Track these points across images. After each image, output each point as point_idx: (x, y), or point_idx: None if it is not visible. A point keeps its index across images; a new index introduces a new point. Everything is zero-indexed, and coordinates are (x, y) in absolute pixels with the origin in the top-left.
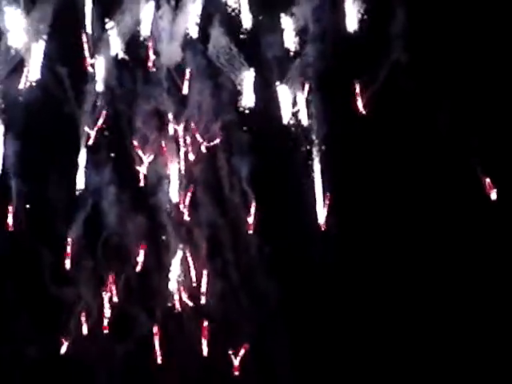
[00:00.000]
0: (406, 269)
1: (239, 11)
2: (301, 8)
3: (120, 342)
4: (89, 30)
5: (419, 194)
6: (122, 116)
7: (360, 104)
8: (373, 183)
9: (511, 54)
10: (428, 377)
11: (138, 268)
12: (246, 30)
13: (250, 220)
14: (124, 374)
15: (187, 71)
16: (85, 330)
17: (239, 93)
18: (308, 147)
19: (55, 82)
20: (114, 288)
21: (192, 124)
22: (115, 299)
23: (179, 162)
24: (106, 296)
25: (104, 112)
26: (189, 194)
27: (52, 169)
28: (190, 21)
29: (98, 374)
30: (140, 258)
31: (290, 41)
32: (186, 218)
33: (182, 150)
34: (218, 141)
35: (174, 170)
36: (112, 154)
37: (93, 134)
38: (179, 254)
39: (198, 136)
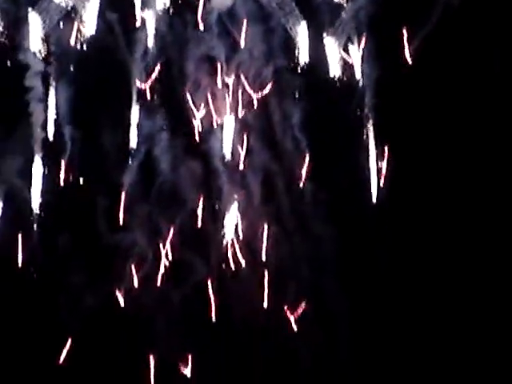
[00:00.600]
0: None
1: None
2: None
3: (176, 289)
4: None
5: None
6: (173, 62)
7: (407, 52)
8: (428, 133)
9: None
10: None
11: (199, 215)
12: None
13: (304, 166)
14: (181, 321)
15: (238, 16)
16: (140, 277)
17: (291, 38)
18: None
19: (106, 29)
20: (168, 234)
21: (243, 69)
22: (170, 246)
23: (231, 108)
24: (160, 243)
25: (155, 59)
26: (241, 141)
27: (105, 116)
28: None
29: (156, 321)
30: (196, 206)
31: None
32: (240, 163)
33: (234, 95)
34: (269, 86)
35: (227, 116)
36: (164, 101)
37: (144, 80)
38: (234, 200)
39: (249, 81)
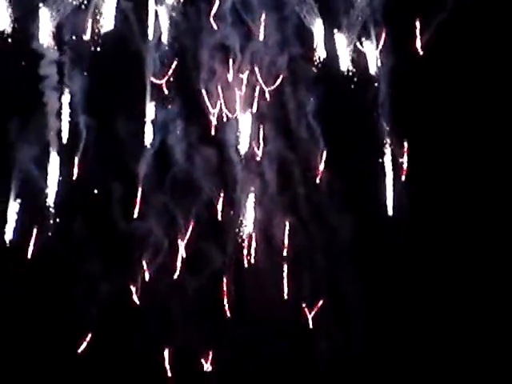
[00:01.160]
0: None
1: None
2: None
3: (192, 278)
4: None
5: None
6: (187, 52)
7: (419, 43)
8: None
9: None
10: None
11: (216, 205)
12: None
13: (319, 155)
14: (197, 312)
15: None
16: (156, 267)
17: (305, 26)
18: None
19: (121, 18)
20: (183, 223)
21: (258, 58)
22: (186, 234)
23: (246, 98)
24: (177, 231)
25: (169, 48)
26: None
27: (119, 105)
28: None
29: (172, 309)
30: (212, 196)
31: None
32: (257, 153)
33: (249, 85)
34: (283, 75)
35: (242, 106)
36: (179, 90)
37: (158, 71)
38: (250, 190)
39: (263, 70)
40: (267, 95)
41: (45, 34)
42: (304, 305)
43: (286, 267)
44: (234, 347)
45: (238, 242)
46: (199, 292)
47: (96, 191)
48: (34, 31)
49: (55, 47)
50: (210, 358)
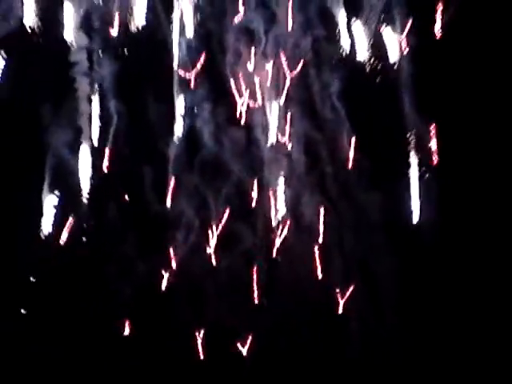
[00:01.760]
0: None
1: None
2: None
3: (224, 257)
4: None
5: None
6: (213, 35)
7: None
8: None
9: None
10: None
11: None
12: None
13: (345, 135)
14: (229, 291)
15: None
16: (188, 247)
17: (327, 8)
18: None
19: (147, 8)
20: (214, 204)
21: (282, 41)
22: (217, 215)
23: (272, 79)
24: (208, 212)
25: (195, 34)
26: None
27: (148, 89)
28: None
29: (205, 288)
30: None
31: None
32: (286, 134)
33: (274, 67)
34: (308, 57)
35: (268, 87)
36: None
37: (185, 55)
38: (279, 171)
39: (288, 52)
40: (292, 78)
41: (72, 23)
42: (337, 289)
43: (317, 249)
44: (266, 330)
45: (269, 223)
46: (231, 273)
47: (128, 173)
48: (62, 21)
49: (84, 35)
50: (244, 340)
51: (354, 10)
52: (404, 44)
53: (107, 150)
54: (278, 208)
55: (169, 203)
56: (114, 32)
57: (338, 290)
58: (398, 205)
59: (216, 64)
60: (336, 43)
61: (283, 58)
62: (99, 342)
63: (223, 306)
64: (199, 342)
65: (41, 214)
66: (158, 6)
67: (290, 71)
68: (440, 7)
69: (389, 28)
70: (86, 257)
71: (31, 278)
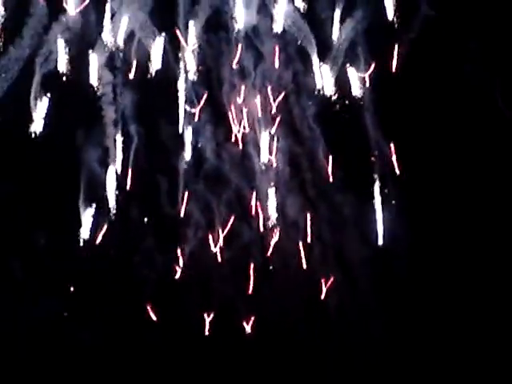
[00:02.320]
0: None
1: None
2: None
3: (229, 251)
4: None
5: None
6: (211, 71)
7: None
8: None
9: None
10: None
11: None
12: None
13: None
14: (232, 278)
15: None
16: (197, 242)
17: (304, 48)
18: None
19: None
20: (217, 207)
21: (268, 74)
22: (219, 216)
23: (260, 105)
24: (212, 213)
25: (197, 71)
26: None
27: (162, 115)
28: None
29: (212, 280)
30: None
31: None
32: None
33: (262, 95)
34: (289, 87)
35: (257, 110)
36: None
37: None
38: (269, 177)
39: (273, 84)
40: (277, 105)
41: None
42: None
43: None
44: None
45: (263, 221)
46: (233, 263)
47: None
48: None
49: (109, 72)
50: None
51: (323, 51)
52: (367, 79)
53: (130, 165)
54: (269, 209)
55: (180, 207)
56: (132, 74)
57: (322, 280)
58: (364, 204)
59: (215, 94)
60: (312, 76)
61: (269, 88)
62: (127, 319)
63: (227, 292)
64: (207, 320)
65: (79, 221)
66: (168, 50)
67: (275, 99)
68: (396, 48)
69: (352, 68)
70: (116, 250)
71: (71, 288)
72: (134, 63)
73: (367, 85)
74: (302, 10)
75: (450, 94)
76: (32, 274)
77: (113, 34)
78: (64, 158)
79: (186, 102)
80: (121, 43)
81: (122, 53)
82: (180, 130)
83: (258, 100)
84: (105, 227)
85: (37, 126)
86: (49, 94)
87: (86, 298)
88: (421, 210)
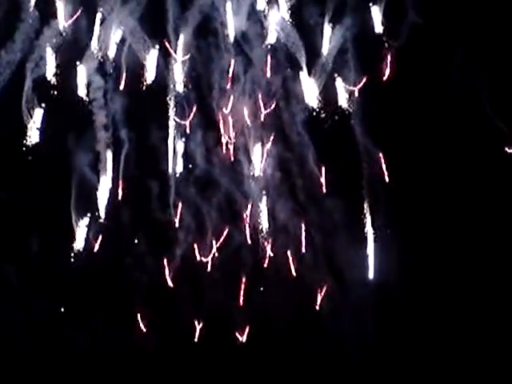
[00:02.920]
0: None
1: None
2: None
3: (220, 257)
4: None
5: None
6: (201, 77)
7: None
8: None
9: None
10: None
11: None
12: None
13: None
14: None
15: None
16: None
17: (291, 55)
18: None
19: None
20: (207, 211)
21: (257, 80)
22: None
23: (250, 111)
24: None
25: (188, 75)
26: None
27: (152, 119)
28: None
29: (203, 286)
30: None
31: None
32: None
33: (251, 100)
34: (279, 92)
35: (247, 117)
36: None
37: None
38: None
39: (262, 89)
40: (267, 110)
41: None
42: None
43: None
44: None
45: (253, 225)
46: (224, 269)
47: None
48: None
49: (101, 78)
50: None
51: (313, 57)
52: (356, 90)
53: (121, 169)
54: (261, 214)
55: (171, 212)
56: (122, 81)
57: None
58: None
59: (205, 100)
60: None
61: (259, 94)
62: (119, 324)
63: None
64: (197, 327)
65: (71, 226)
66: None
67: (265, 104)
68: (386, 56)
69: (340, 78)
70: (109, 253)
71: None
72: (124, 69)
73: (356, 93)
74: (289, 17)
75: (438, 102)
76: (26, 279)
77: (103, 39)
78: (55, 162)
79: (176, 107)
80: (111, 49)
81: (112, 58)
82: (170, 137)
83: (247, 106)
84: (96, 233)
85: (29, 131)
86: (39, 100)
87: (78, 302)
88: (410, 216)
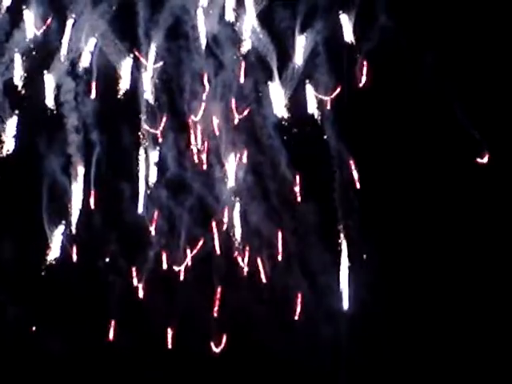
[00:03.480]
0: None
1: None
2: None
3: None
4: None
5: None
6: (173, 80)
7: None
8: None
9: None
10: None
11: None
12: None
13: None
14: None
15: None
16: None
17: (264, 59)
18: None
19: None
20: (179, 213)
21: (229, 83)
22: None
23: (221, 114)
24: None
25: (159, 77)
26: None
27: (123, 122)
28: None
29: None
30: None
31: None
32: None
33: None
34: (251, 97)
35: (218, 121)
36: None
37: (150, 94)
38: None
39: (234, 93)
40: (239, 113)
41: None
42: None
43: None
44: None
45: (224, 228)
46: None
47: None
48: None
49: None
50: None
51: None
52: (328, 99)
53: (92, 172)
54: (233, 217)
55: (142, 212)
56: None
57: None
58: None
59: (176, 104)
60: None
61: (232, 97)
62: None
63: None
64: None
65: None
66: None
67: (237, 108)
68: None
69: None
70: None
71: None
72: (95, 73)
73: (328, 102)
74: (258, 22)
75: (410, 108)
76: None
77: (74, 42)
78: (27, 165)
79: (146, 114)
80: (82, 52)
81: (83, 61)
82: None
83: (218, 110)
84: (69, 239)
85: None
86: (11, 104)
87: (51, 308)
88: (382, 222)
